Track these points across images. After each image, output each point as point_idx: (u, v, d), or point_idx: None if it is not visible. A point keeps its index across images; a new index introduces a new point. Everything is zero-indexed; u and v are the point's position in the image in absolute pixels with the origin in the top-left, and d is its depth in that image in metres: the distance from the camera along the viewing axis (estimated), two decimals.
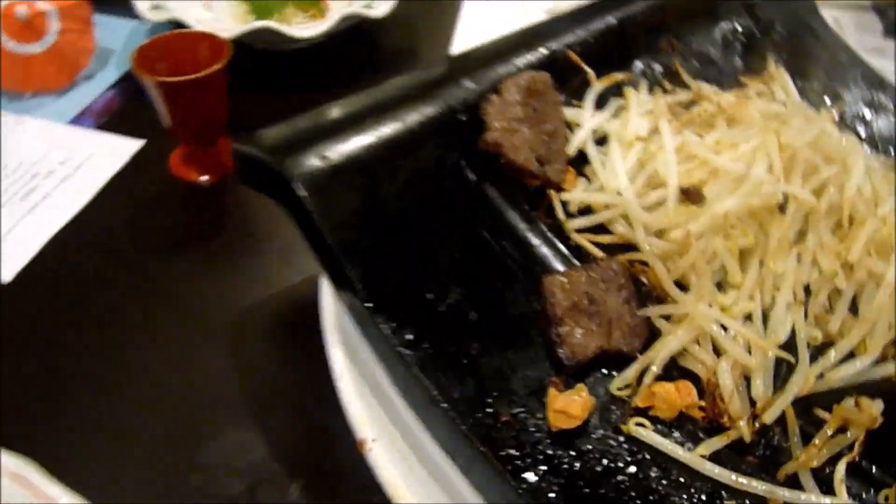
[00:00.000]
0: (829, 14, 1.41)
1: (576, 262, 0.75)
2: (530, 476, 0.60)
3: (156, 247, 0.97)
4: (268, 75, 1.26)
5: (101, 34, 1.25)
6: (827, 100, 0.98)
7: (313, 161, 0.71)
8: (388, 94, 0.81)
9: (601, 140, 0.84)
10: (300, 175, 0.70)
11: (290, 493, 0.72)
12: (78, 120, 1.15)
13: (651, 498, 0.58)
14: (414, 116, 0.78)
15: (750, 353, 0.66)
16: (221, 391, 0.80)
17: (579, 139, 0.81)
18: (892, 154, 0.93)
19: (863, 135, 0.95)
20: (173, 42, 1.00)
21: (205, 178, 1.05)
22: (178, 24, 1.16)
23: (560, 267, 0.74)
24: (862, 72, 1.03)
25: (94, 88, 1.21)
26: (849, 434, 0.61)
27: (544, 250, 0.75)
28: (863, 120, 0.97)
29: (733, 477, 0.58)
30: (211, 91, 0.97)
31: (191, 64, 0.97)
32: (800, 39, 1.03)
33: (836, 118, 0.91)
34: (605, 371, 0.68)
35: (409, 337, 0.66)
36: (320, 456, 0.75)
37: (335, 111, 0.78)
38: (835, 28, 1.37)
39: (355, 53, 1.31)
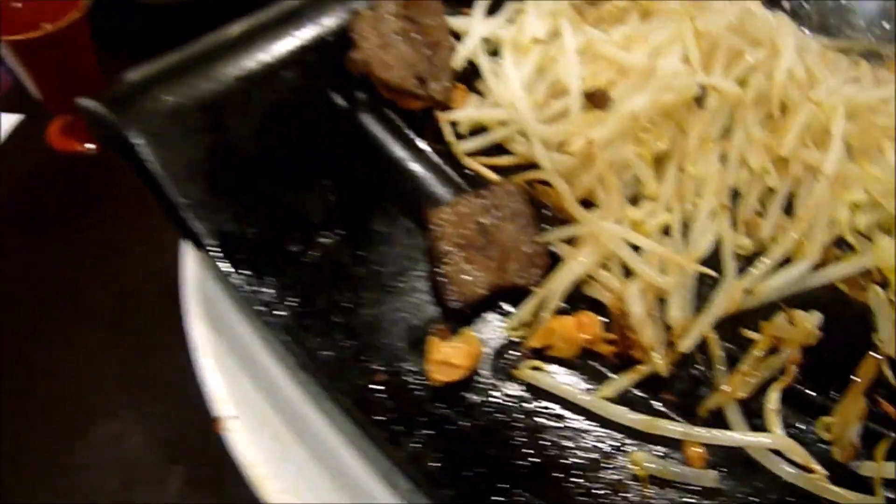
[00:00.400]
0: None
1: (469, 189, 0.65)
2: (410, 442, 0.50)
3: (39, 227, 0.87)
4: (158, 34, 1.14)
5: None
6: None
7: (149, 105, 0.61)
8: (251, 23, 0.70)
9: (497, 53, 0.73)
10: (133, 122, 0.60)
11: (168, 485, 0.63)
12: None
13: (549, 454, 0.49)
14: (273, 45, 0.67)
15: (665, 272, 0.56)
16: (99, 381, 0.71)
17: (467, 49, 0.70)
18: (836, 32, 0.82)
19: (801, 15, 0.84)
20: (27, 5, 0.89)
21: (90, 146, 0.94)
22: None
23: (450, 197, 0.64)
24: None
25: None
26: (782, 355, 0.51)
27: (431, 180, 0.65)
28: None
29: (641, 419, 0.48)
30: (70, 48, 0.86)
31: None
32: None
33: None
34: (503, 310, 0.58)
35: (272, 295, 0.56)
36: (202, 443, 0.65)
37: (196, 48, 0.68)
38: None
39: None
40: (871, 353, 0.51)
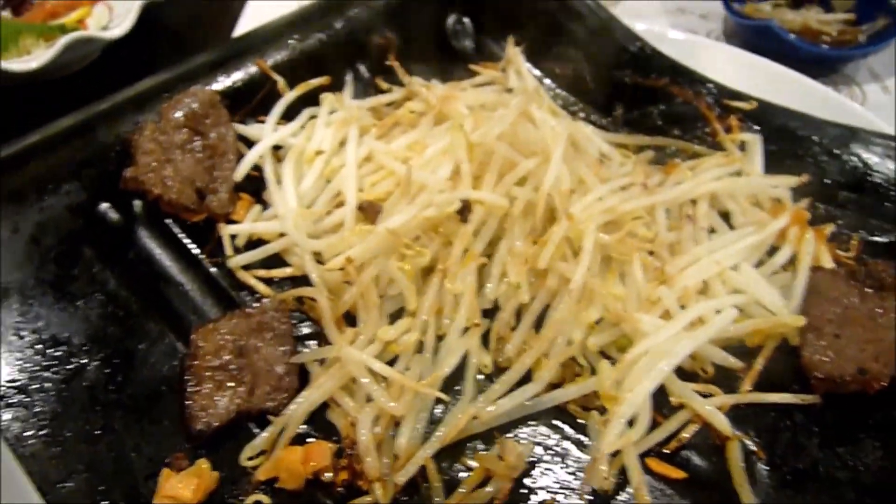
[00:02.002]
0: None
1: (240, 305, 0.66)
2: None
3: None
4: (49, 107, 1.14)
5: None
6: (579, 81, 0.89)
7: None
8: (42, 134, 0.71)
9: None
10: None
11: None
12: None
13: None
14: (52, 160, 0.68)
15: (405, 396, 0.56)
16: None
17: (250, 159, 0.71)
18: (638, 127, 0.84)
19: (609, 111, 0.86)
20: None
21: None
22: None
23: (220, 314, 0.65)
24: (620, 44, 0.92)
25: None
26: (491, 487, 0.52)
27: (202, 295, 0.66)
28: (609, 96, 0.87)
29: None
30: None
31: None
32: (549, 18, 0.92)
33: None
34: (251, 433, 0.58)
35: (21, 426, 0.56)
36: None
37: None
38: None
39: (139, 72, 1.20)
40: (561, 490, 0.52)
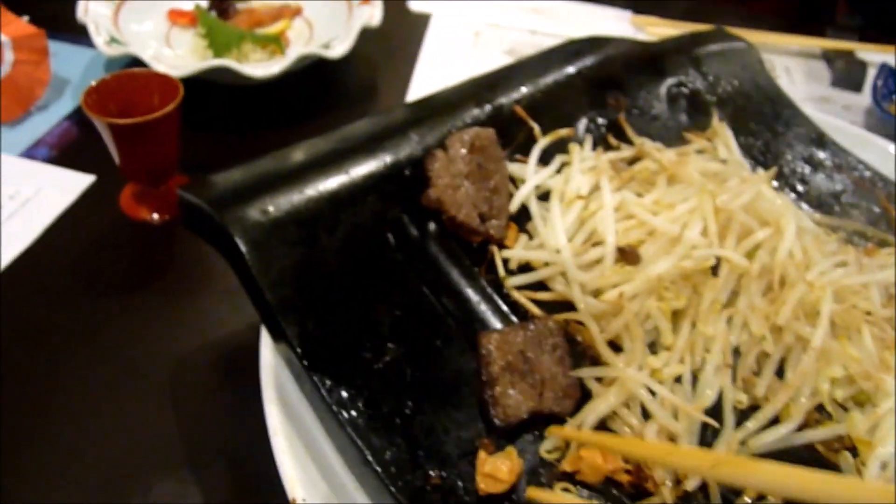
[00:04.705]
0: (780, 62, 1.46)
1: (514, 319, 0.76)
2: None
3: (101, 288, 0.95)
4: (225, 110, 1.26)
5: (57, 63, 1.25)
6: (767, 156, 1.01)
7: (254, 215, 0.72)
8: (334, 144, 0.82)
9: (545, 195, 0.85)
10: (241, 229, 0.70)
11: None
12: (30, 151, 1.14)
13: None
14: (358, 170, 0.79)
15: (676, 417, 0.67)
16: (156, 440, 0.79)
17: (521, 195, 0.82)
18: (829, 210, 0.96)
19: (801, 191, 0.98)
20: (125, 81, 1.00)
21: (155, 216, 1.04)
22: (135, 59, 1.16)
23: (498, 324, 0.75)
24: (804, 129, 1.05)
25: (48, 119, 1.20)
26: (766, 502, 0.63)
27: (483, 307, 0.76)
28: (801, 177, 1.00)
29: None
30: (161, 132, 0.96)
31: (143, 104, 0.97)
32: (745, 96, 1.05)
33: (774, 177, 0.93)
34: (536, 432, 0.68)
35: (344, 395, 0.66)
36: None
37: (282, 161, 0.78)
38: (785, 77, 1.41)
39: (314, 89, 1.31)
40: None
